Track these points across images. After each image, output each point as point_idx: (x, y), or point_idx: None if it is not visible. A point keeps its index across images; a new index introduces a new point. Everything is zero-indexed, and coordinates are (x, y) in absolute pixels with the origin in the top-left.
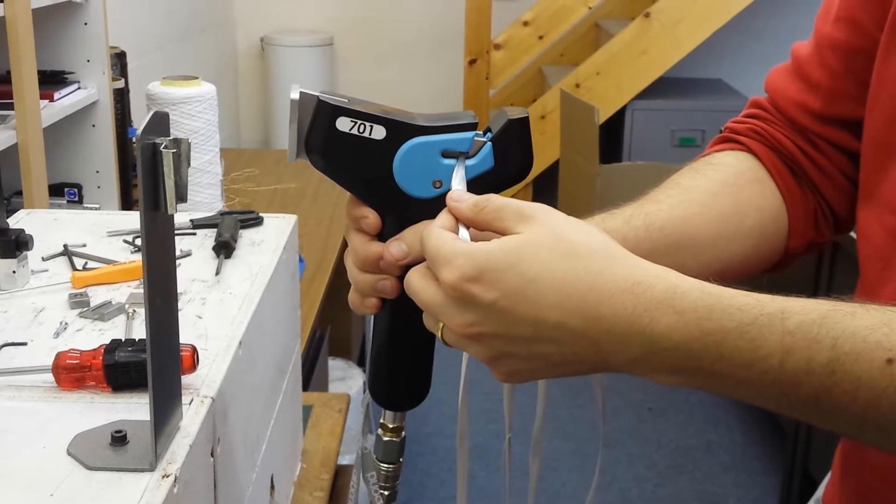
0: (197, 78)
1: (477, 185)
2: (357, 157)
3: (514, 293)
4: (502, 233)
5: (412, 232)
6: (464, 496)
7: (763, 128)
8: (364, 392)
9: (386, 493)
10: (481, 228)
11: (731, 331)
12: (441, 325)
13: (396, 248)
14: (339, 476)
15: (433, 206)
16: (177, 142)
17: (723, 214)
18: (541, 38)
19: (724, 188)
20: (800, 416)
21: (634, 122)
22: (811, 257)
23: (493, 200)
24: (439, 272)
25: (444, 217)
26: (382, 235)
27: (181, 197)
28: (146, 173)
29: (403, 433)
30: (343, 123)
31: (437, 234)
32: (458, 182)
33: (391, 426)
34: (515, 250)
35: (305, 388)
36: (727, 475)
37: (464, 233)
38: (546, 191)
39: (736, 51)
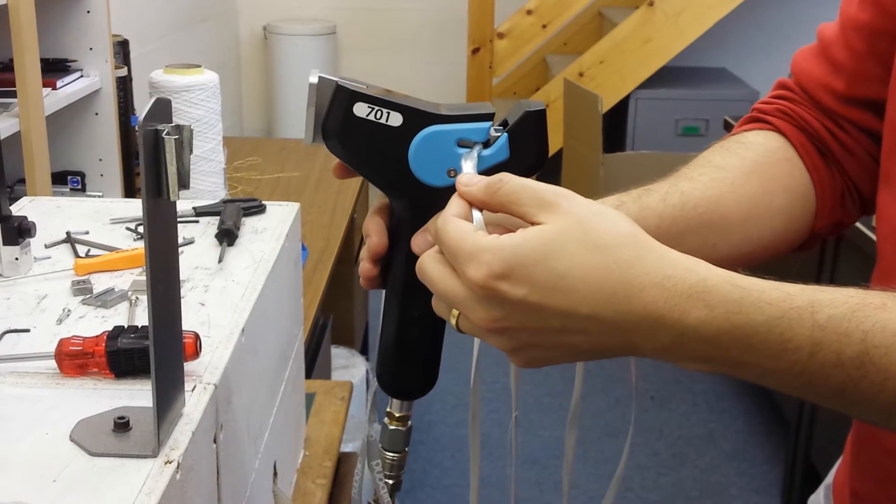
0: (200, 66)
1: (491, 175)
2: (373, 144)
3: (544, 288)
4: (520, 217)
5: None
6: (476, 475)
7: (790, 108)
8: (367, 380)
9: (391, 481)
10: (495, 211)
11: (760, 325)
12: (456, 313)
13: (422, 239)
14: (342, 463)
15: (447, 194)
16: (179, 128)
17: (753, 195)
18: (544, 26)
19: (755, 168)
20: (824, 403)
21: (638, 111)
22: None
23: (508, 182)
24: (464, 268)
25: (455, 204)
26: (396, 223)
27: (183, 184)
28: (148, 160)
29: (410, 422)
30: (360, 109)
31: (454, 225)
32: (468, 168)
33: (398, 415)
34: (543, 244)
35: (308, 375)
36: (730, 465)
37: (477, 215)
38: (549, 180)
39: (739, 40)
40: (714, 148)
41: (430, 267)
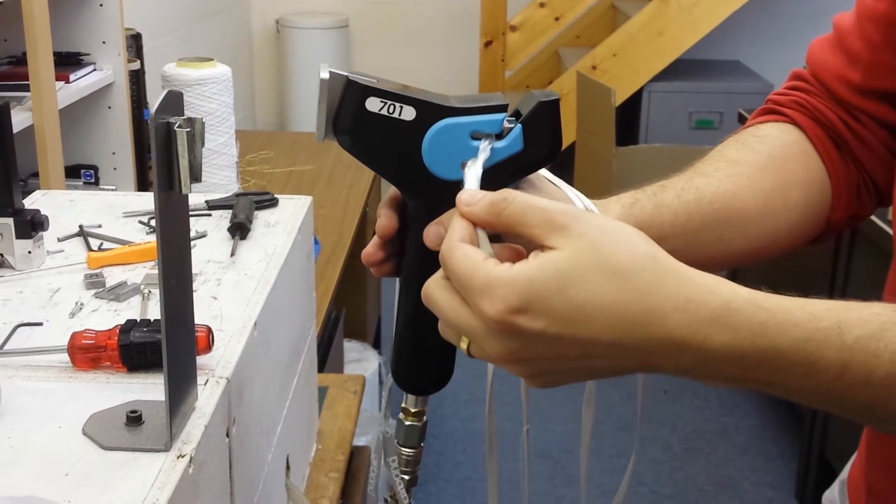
0: (212, 59)
1: (506, 167)
2: (386, 138)
3: (563, 320)
4: (529, 239)
5: (450, 216)
6: (494, 493)
7: (806, 100)
8: (380, 374)
9: (406, 477)
10: (501, 231)
11: (786, 348)
12: (467, 339)
13: (434, 232)
14: (355, 457)
15: (461, 188)
16: (191, 121)
17: (770, 189)
18: (557, 19)
19: (770, 162)
20: (851, 419)
21: (651, 104)
22: (830, 241)
23: (513, 202)
24: (477, 302)
25: (459, 227)
26: (410, 217)
27: (195, 177)
28: (160, 153)
29: (425, 418)
30: (372, 104)
31: (461, 252)
32: (470, 181)
33: (413, 410)
34: (560, 273)
35: (321, 369)
36: (743, 459)
37: (482, 236)
38: (562, 173)
39: (754, 32)
40: (729, 141)
41: (437, 295)
